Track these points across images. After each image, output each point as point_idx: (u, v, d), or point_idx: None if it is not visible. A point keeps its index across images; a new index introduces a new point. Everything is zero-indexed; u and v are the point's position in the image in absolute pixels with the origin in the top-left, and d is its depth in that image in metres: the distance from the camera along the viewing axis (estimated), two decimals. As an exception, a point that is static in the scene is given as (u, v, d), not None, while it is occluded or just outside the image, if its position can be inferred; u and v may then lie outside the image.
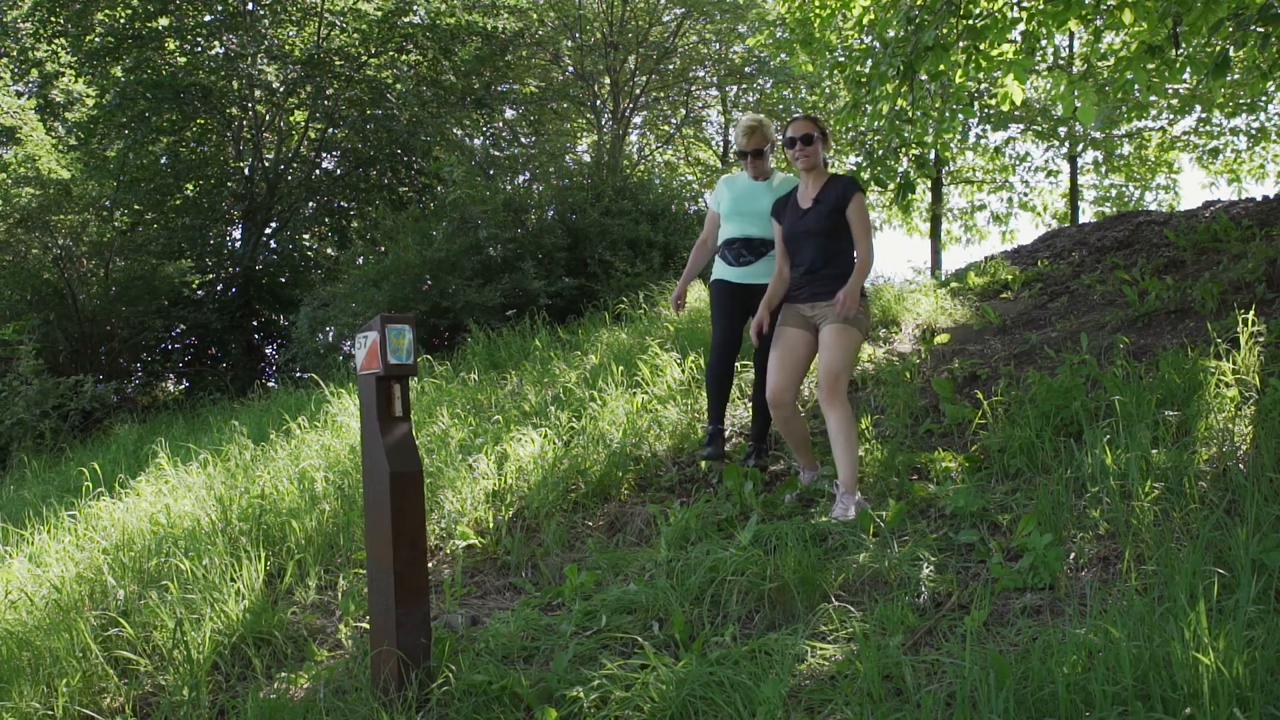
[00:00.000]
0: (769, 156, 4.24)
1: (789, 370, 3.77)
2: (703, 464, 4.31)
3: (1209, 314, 4.39)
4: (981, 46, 5.08)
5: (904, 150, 5.39)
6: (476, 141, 14.00)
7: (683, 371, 5.32)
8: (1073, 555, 2.75)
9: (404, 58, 13.06)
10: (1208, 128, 14.85)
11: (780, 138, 4.16)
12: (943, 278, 7.77)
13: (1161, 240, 6.34)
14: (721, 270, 4.28)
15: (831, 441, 3.58)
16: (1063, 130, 14.66)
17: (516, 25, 13.23)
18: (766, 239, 4.13)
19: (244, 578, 3.20)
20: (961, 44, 5.08)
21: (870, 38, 6.48)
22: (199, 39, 12.55)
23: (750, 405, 4.49)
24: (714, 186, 4.46)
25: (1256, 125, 14.32)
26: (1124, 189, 16.94)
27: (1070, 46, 13.20)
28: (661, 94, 17.49)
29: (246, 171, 13.24)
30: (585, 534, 3.85)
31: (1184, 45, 4.78)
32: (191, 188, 13.26)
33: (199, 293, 12.82)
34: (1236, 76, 10.52)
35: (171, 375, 12.78)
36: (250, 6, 12.84)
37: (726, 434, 4.37)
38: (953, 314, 6.06)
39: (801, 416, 3.93)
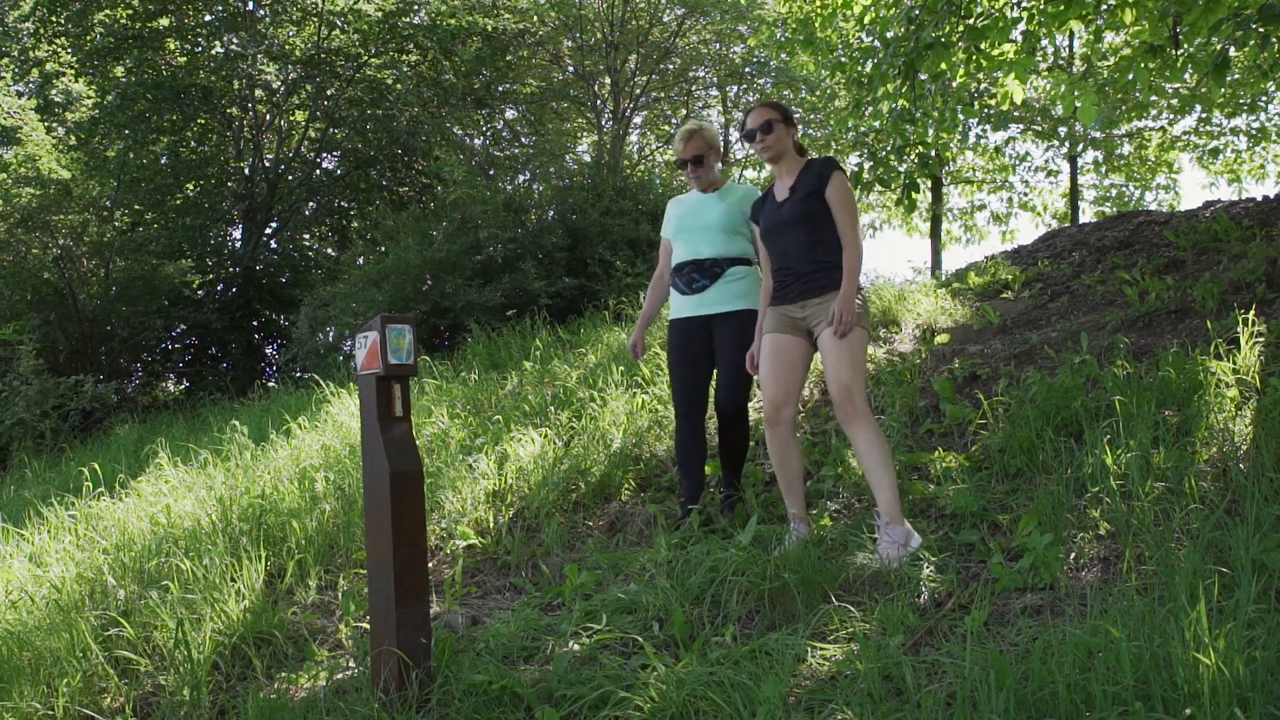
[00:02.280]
0: (713, 165, 3.81)
1: (784, 382, 3.32)
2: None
3: (1209, 314, 4.38)
4: (982, 46, 5.08)
5: (907, 150, 5.38)
6: (477, 141, 14.01)
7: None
8: (1073, 555, 2.75)
9: (404, 58, 13.06)
10: (1208, 128, 14.86)
11: (707, 149, 3.79)
12: (943, 278, 7.76)
13: (1161, 240, 6.34)
14: (674, 305, 3.81)
15: (863, 464, 3.18)
16: (1063, 130, 14.67)
17: (518, 26, 13.24)
18: (720, 258, 3.68)
19: (244, 578, 3.20)
20: (962, 44, 5.08)
21: (871, 38, 6.49)
22: (199, 39, 12.57)
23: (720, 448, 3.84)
24: (667, 210, 3.97)
25: (1256, 125, 14.34)
26: (1124, 189, 16.95)
27: (1070, 46, 13.20)
28: (661, 94, 17.49)
29: (247, 171, 13.25)
30: (585, 534, 3.85)
31: (1184, 45, 4.78)
32: (192, 188, 13.28)
33: (199, 293, 12.83)
34: (1237, 76, 10.52)
35: (171, 375, 12.80)
36: (250, 6, 12.85)
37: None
38: (953, 314, 6.06)
39: (800, 447, 3.45)
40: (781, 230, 3.35)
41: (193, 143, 13.25)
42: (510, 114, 15.58)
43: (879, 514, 3.08)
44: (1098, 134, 14.59)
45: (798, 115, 16.86)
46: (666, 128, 18.50)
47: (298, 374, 10.27)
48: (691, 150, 3.76)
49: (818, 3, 6.56)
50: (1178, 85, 11.04)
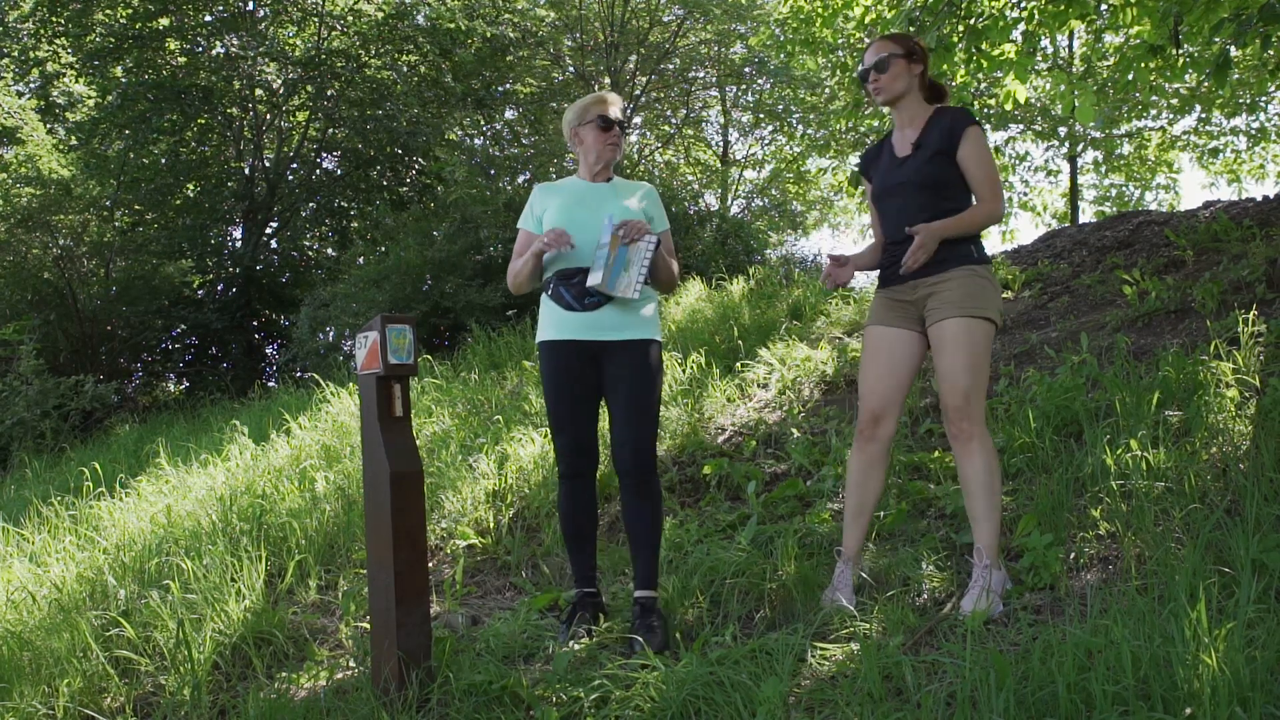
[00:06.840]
0: (622, 145, 3.01)
1: (885, 387, 2.73)
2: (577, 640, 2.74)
3: (1209, 314, 4.38)
4: (983, 46, 5.09)
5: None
6: (477, 142, 14.01)
7: (684, 372, 5.32)
8: (1073, 555, 2.75)
9: (404, 59, 13.07)
10: (1208, 128, 14.84)
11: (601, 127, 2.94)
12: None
13: (1161, 240, 6.34)
14: (555, 321, 2.85)
15: (968, 493, 2.62)
16: (1063, 130, 14.66)
17: (516, 34, 13.26)
18: None
19: (245, 578, 3.20)
20: (962, 45, 5.08)
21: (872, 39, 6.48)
22: (199, 39, 12.58)
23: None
24: (532, 199, 3.02)
25: (1256, 125, 14.31)
26: (1124, 189, 16.93)
27: (1070, 46, 13.20)
28: (661, 94, 17.50)
29: (247, 171, 13.26)
30: (585, 534, 3.84)
31: (1185, 45, 4.78)
32: (192, 188, 13.29)
33: (199, 293, 12.84)
34: (1239, 76, 10.52)
35: (172, 375, 12.82)
36: (250, 7, 12.85)
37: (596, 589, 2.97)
38: (953, 314, 6.05)
39: (887, 472, 2.85)
40: (898, 193, 2.74)
41: (193, 143, 13.26)
42: (510, 114, 15.59)
43: (978, 553, 2.58)
44: (1097, 134, 14.57)
45: (797, 115, 16.86)
46: (666, 128, 18.51)
47: (298, 374, 10.27)
48: (618, 111, 2.98)
49: (819, 2, 6.56)
50: (1178, 85, 11.04)
